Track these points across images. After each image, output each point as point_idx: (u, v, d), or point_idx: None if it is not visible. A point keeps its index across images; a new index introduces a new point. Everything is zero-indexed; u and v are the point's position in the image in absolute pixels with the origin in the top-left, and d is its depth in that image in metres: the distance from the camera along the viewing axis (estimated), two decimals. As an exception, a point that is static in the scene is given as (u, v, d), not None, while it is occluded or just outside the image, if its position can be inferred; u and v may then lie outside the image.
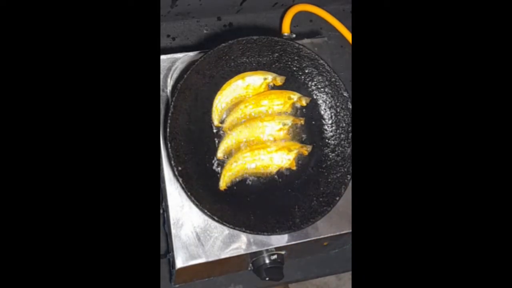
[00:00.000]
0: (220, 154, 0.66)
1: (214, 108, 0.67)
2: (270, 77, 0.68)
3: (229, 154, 0.66)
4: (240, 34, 0.66)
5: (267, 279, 0.66)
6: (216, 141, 0.67)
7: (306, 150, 0.67)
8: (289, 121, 0.67)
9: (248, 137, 0.67)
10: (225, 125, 0.67)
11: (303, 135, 0.69)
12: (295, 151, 0.66)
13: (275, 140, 0.67)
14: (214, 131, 0.67)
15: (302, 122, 0.68)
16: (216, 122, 0.67)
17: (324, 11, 0.86)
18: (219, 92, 0.67)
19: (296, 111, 0.69)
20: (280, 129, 0.67)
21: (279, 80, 0.68)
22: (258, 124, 0.67)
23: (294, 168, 0.67)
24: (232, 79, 0.68)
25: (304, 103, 0.68)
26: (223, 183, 0.65)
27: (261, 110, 0.68)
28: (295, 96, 0.68)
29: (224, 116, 0.68)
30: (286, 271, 0.68)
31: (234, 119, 0.67)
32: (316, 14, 0.87)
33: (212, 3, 0.81)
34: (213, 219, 0.61)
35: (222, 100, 0.67)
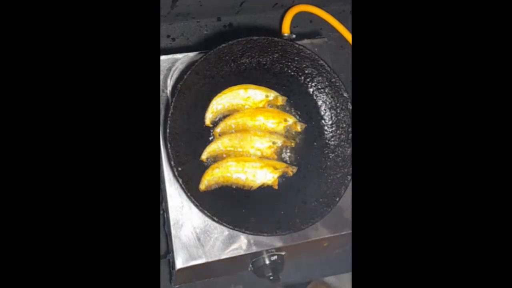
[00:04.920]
0: (204, 156, 0.66)
1: (209, 108, 0.67)
2: (272, 95, 0.68)
3: (214, 159, 0.66)
4: (240, 34, 0.66)
5: (271, 277, 0.66)
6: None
7: (291, 170, 0.67)
8: (279, 141, 0.67)
9: (236, 147, 0.66)
10: (217, 130, 0.67)
11: (291, 155, 0.69)
12: (280, 170, 0.66)
13: (262, 156, 0.67)
14: (213, 131, 0.67)
15: (293, 145, 0.68)
16: (207, 121, 0.67)
17: (324, 11, 0.86)
18: (219, 94, 0.67)
19: (289, 134, 0.69)
20: (269, 147, 0.67)
21: (281, 100, 0.68)
22: (249, 137, 0.67)
23: (276, 187, 0.66)
24: (235, 87, 0.68)
25: (299, 128, 0.68)
26: (202, 185, 0.64)
27: (255, 124, 0.68)
28: (291, 119, 0.68)
29: (218, 119, 0.68)
30: (286, 272, 0.68)
31: (226, 126, 0.67)
32: (316, 14, 0.87)
33: (212, 3, 0.81)
34: (213, 220, 0.61)
35: (219, 102, 0.67)
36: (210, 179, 0.65)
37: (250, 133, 0.67)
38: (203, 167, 0.65)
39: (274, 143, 0.67)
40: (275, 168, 0.66)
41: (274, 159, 0.67)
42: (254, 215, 0.64)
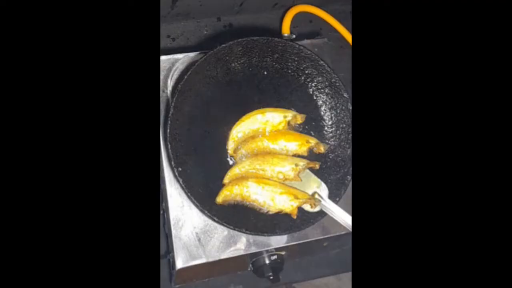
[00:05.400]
0: (226, 180, 0.65)
1: (230, 137, 0.66)
2: (290, 115, 0.67)
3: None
4: (240, 34, 0.66)
5: (271, 277, 0.66)
6: (217, 141, 0.67)
7: (314, 203, 0.63)
8: (303, 163, 0.64)
9: (257, 170, 0.64)
10: (237, 155, 0.66)
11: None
12: (302, 201, 0.63)
13: (285, 179, 0.64)
14: (215, 131, 0.67)
15: (317, 166, 0.65)
16: (230, 151, 0.66)
17: (324, 11, 0.86)
18: (237, 122, 0.67)
19: (311, 156, 0.67)
20: (293, 169, 0.64)
21: (300, 118, 0.67)
22: (271, 159, 0.65)
23: (295, 217, 0.63)
24: (252, 112, 0.67)
25: (322, 149, 0.66)
26: (219, 199, 0.64)
27: (276, 148, 0.66)
28: (313, 141, 0.67)
29: (239, 147, 0.67)
30: (286, 272, 0.68)
31: (248, 150, 0.66)
32: (316, 14, 0.87)
33: (212, 3, 0.81)
34: (213, 220, 0.61)
35: (239, 129, 0.67)
36: (228, 194, 0.63)
37: (271, 156, 0.65)
38: (203, 167, 0.65)
39: (297, 165, 0.64)
40: (296, 198, 0.63)
41: (298, 181, 0.64)
42: (254, 215, 0.64)
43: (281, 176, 0.64)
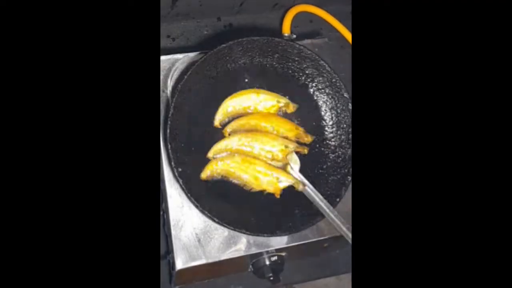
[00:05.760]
0: (211, 154, 0.65)
1: (220, 109, 0.67)
2: (283, 101, 0.68)
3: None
4: (240, 34, 0.66)
5: (271, 278, 0.66)
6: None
7: (298, 186, 0.64)
8: (292, 145, 0.65)
9: (246, 147, 0.65)
10: (227, 129, 0.67)
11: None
12: (286, 183, 0.64)
13: (273, 159, 0.65)
14: (215, 131, 0.67)
15: (306, 151, 0.66)
16: (217, 122, 0.67)
17: (324, 11, 0.86)
18: (230, 97, 0.67)
19: (310, 156, 0.67)
20: (281, 150, 0.65)
21: (292, 107, 0.68)
22: (261, 137, 0.65)
23: (278, 197, 0.64)
24: (247, 91, 0.67)
25: (309, 138, 0.67)
26: (204, 175, 0.64)
27: (267, 126, 0.66)
28: (300, 129, 0.67)
29: (227, 121, 0.67)
30: (286, 273, 0.67)
31: (237, 125, 0.67)
32: (316, 14, 0.87)
33: (212, 3, 0.81)
34: (213, 220, 0.61)
35: (230, 104, 0.67)
36: (213, 169, 0.64)
37: (262, 134, 0.66)
38: (203, 168, 0.65)
39: (286, 146, 0.65)
40: (280, 180, 0.64)
41: (285, 163, 0.65)
42: (254, 216, 0.64)
43: (269, 156, 0.65)
